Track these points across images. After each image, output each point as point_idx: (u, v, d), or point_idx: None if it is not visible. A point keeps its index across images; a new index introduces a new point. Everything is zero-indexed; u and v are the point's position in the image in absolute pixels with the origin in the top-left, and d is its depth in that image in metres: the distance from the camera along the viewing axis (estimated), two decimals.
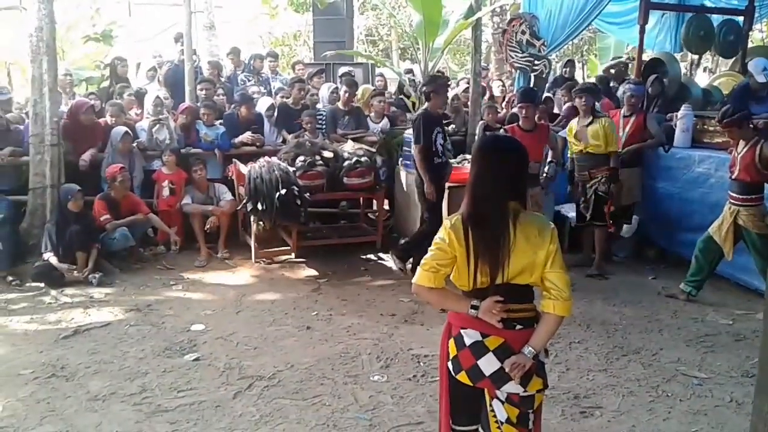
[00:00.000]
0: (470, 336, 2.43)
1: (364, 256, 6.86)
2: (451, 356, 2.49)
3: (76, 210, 6.11)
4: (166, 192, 6.88)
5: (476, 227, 2.35)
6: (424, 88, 6.14)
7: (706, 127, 6.65)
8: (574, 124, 6.36)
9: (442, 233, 2.42)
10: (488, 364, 2.39)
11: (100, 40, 13.00)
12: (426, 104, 6.03)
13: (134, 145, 7.00)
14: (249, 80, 9.29)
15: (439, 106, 6.24)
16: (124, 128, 6.92)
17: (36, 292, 5.75)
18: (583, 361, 4.45)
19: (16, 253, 6.25)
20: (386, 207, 7.71)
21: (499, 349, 2.39)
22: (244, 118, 7.55)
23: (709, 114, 6.75)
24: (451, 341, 2.49)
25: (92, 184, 6.63)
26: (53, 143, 6.48)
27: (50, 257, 5.94)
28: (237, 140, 7.41)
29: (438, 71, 9.26)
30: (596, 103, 6.58)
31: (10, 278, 5.94)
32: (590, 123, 6.14)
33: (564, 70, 9.87)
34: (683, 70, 9.91)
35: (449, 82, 8.34)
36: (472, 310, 2.37)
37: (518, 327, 2.40)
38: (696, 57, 10.77)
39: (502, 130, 6.33)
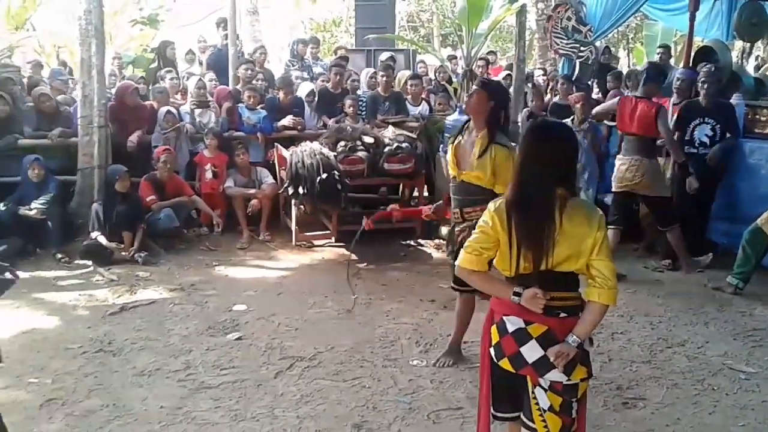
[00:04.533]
0: (513, 323, 2.41)
1: (403, 242, 6.85)
2: (493, 342, 2.48)
3: (123, 190, 6.24)
4: (208, 175, 6.96)
5: (520, 213, 2.32)
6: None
7: (757, 116, 6.46)
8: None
9: (486, 216, 2.40)
10: (531, 352, 2.38)
11: (147, 24, 13.22)
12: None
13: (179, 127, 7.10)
14: (293, 65, 9.33)
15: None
16: (166, 107, 7.06)
17: (84, 269, 5.89)
18: (626, 352, 4.39)
19: (65, 232, 6.40)
20: (426, 193, 7.68)
21: (542, 336, 2.37)
22: (286, 102, 7.59)
23: (762, 104, 6.55)
24: (494, 327, 2.48)
25: (139, 166, 6.75)
26: (101, 125, 6.62)
27: (98, 236, 6.09)
28: (279, 124, 7.44)
29: (481, 57, 9.18)
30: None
31: (60, 256, 6.09)
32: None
33: (602, 57, 9.67)
34: (734, 59, 9.62)
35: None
36: (515, 297, 2.35)
37: (562, 315, 2.38)
38: (747, 45, 10.45)
39: None
